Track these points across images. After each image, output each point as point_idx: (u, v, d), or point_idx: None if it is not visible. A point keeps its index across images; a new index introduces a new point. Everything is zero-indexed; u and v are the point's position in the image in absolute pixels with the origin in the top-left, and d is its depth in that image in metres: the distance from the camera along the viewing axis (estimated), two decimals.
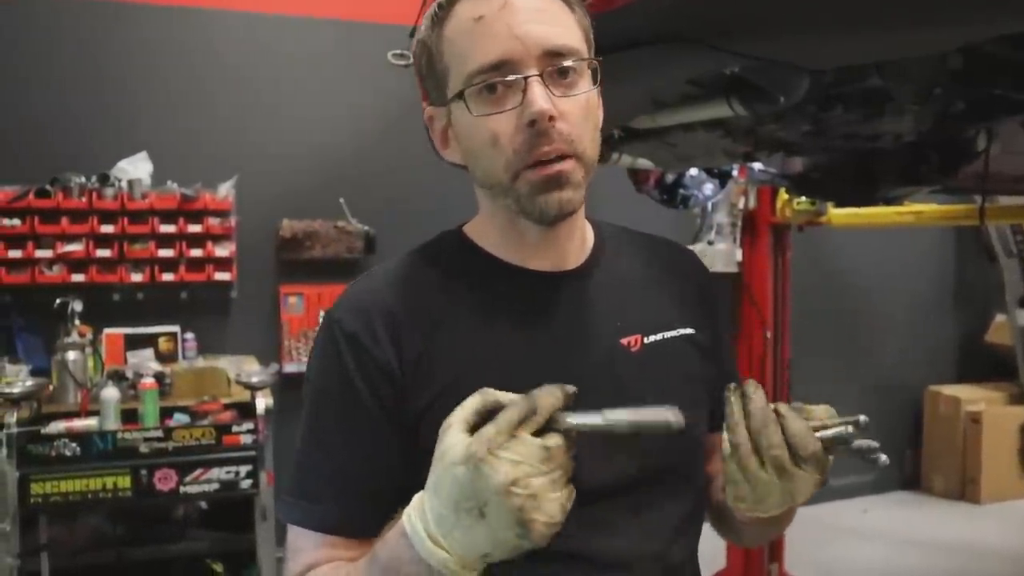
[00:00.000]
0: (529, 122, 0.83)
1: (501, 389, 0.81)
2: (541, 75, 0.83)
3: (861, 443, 0.79)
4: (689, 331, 1.00)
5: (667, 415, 0.73)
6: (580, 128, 0.86)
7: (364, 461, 0.88)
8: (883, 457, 0.78)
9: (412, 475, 0.80)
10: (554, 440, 0.69)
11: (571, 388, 0.72)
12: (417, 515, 0.72)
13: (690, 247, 3.76)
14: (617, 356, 0.94)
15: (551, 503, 0.68)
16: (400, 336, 0.88)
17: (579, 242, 0.98)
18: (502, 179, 0.87)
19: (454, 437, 0.70)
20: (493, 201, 0.93)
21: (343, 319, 0.90)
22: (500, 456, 0.67)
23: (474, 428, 0.71)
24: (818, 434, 0.80)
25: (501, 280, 0.94)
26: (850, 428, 0.79)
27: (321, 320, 0.94)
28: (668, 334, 0.97)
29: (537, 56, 0.84)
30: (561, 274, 0.95)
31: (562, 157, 0.85)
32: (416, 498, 0.73)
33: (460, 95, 0.86)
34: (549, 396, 0.70)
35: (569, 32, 0.87)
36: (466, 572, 0.71)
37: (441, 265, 0.96)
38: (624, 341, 0.95)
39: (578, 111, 0.86)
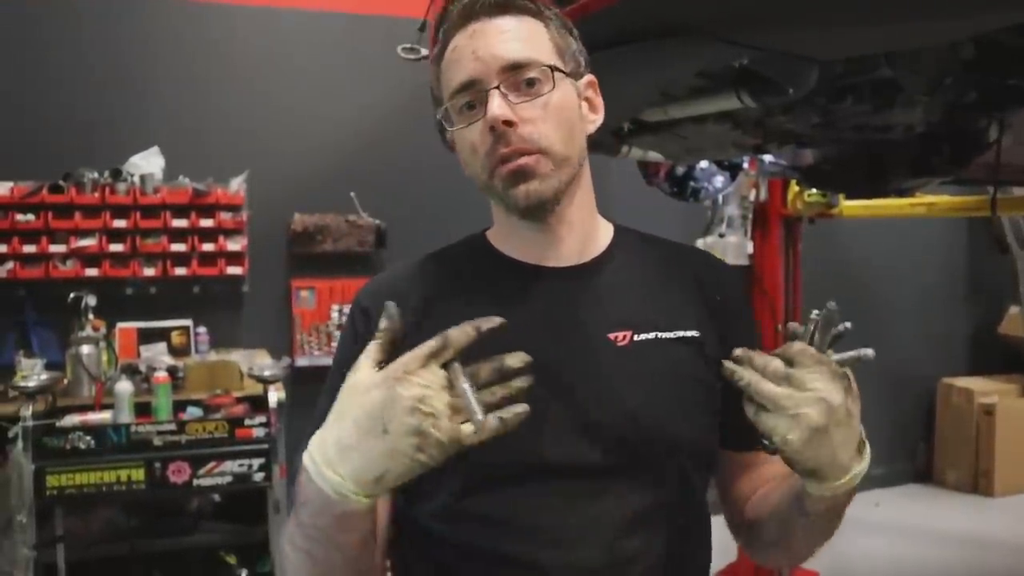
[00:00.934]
0: (489, 128, 0.93)
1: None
2: (499, 87, 0.93)
3: (844, 354, 0.89)
4: (692, 334, 1.00)
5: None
6: (545, 128, 0.94)
7: None
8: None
9: None
10: (456, 374, 0.78)
11: (488, 323, 0.81)
12: (316, 448, 0.80)
13: (701, 240, 3.75)
14: (601, 348, 0.97)
15: (447, 425, 0.76)
16: (404, 313, 0.96)
17: (582, 239, 1.03)
18: (484, 179, 0.97)
19: (365, 371, 0.81)
20: (493, 204, 1.02)
21: (361, 299, 1.04)
22: (411, 379, 0.77)
23: (380, 366, 0.81)
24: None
25: (501, 272, 1.03)
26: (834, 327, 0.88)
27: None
28: (664, 335, 0.99)
29: (497, 71, 0.94)
30: (559, 269, 1.01)
31: (524, 153, 0.94)
32: (315, 436, 0.81)
33: (446, 114, 0.98)
34: (461, 334, 0.80)
35: (532, 46, 0.96)
36: (361, 495, 0.79)
37: (454, 261, 1.06)
38: (612, 335, 0.97)
39: (541, 113, 0.94)
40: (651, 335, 0.98)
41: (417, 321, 0.96)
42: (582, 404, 0.94)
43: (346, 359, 0.97)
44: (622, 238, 1.07)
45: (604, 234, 1.06)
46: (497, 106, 0.92)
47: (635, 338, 0.98)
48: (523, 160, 0.93)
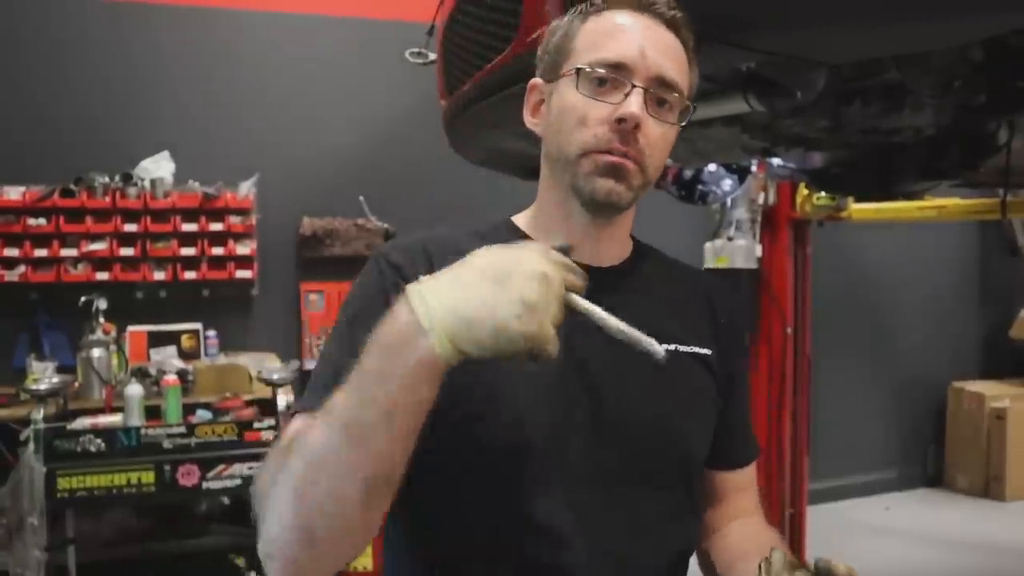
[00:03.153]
0: (618, 119, 0.92)
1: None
2: (646, 90, 0.93)
3: None
4: (705, 352, 1.04)
5: (657, 347, 0.81)
6: (654, 148, 0.95)
7: None
8: None
9: None
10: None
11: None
12: (427, 279, 0.79)
13: (709, 243, 3.74)
14: (628, 352, 0.94)
15: (554, 314, 0.77)
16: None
17: (621, 244, 1.06)
18: (571, 154, 0.95)
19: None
20: (552, 177, 1.01)
21: (390, 254, 0.99)
22: (546, 260, 0.78)
23: None
24: None
25: None
26: None
27: (369, 258, 1.01)
28: (683, 348, 1.02)
29: (649, 77, 0.94)
30: (596, 268, 0.99)
31: (629, 157, 0.94)
32: (429, 277, 0.79)
33: (578, 71, 0.95)
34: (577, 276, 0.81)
35: (681, 75, 0.97)
36: (444, 338, 0.75)
37: (484, 240, 1.00)
38: None
39: (659, 134, 0.95)
40: (671, 346, 0.99)
41: None
42: (607, 406, 0.95)
43: (365, 312, 0.91)
44: (641, 250, 1.10)
45: (629, 243, 1.09)
46: (638, 105, 0.92)
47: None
48: (626, 160, 0.94)
